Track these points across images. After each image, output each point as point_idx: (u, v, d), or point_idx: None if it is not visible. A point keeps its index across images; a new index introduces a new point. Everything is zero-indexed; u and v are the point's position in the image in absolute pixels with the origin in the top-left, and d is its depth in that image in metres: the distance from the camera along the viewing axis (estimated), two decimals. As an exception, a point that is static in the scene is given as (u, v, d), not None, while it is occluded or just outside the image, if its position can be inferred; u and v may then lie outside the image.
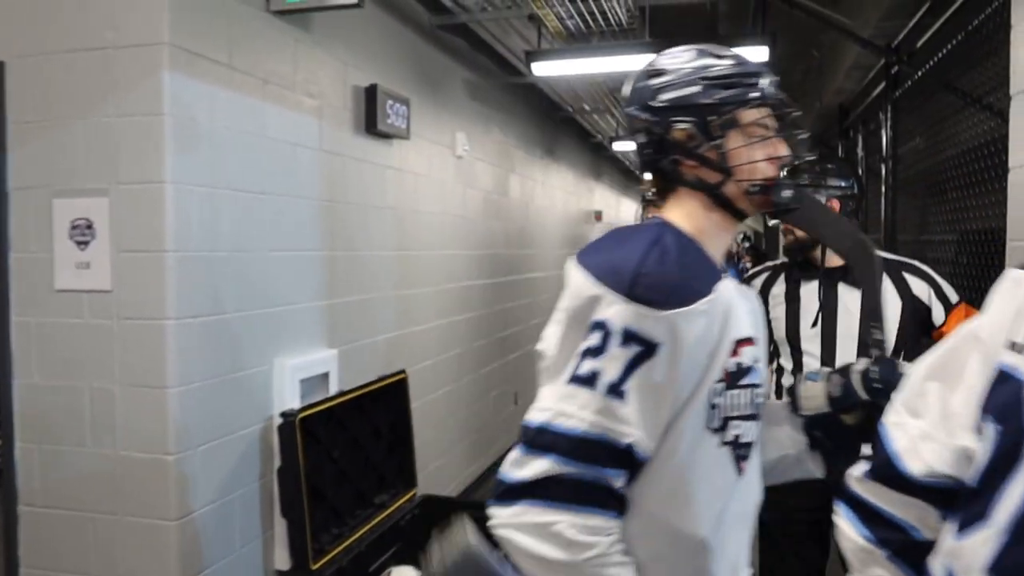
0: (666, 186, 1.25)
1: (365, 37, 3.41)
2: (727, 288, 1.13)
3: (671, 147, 1.19)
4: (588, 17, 4.08)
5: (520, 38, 4.70)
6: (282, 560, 2.71)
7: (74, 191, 2.32)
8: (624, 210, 11.99)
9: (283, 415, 2.62)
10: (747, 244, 12.68)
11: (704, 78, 1.18)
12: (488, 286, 5.18)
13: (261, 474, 2.67)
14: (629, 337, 1.05)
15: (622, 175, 11.47)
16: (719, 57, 1.21)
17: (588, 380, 1.06)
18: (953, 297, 2.21)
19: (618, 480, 1.06)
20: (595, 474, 1.04)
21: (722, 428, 1.12)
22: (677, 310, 1.05)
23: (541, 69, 4.19)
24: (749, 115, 1.18)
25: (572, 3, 3.86)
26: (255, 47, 2.64)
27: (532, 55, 4.09)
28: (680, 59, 1.21)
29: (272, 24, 2.73)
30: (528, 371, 6.15)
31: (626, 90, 1.27)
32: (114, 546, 2.33)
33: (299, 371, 2.80)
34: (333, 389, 3.01)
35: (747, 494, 1.21)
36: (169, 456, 2.26)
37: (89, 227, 2.31)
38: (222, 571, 2.48)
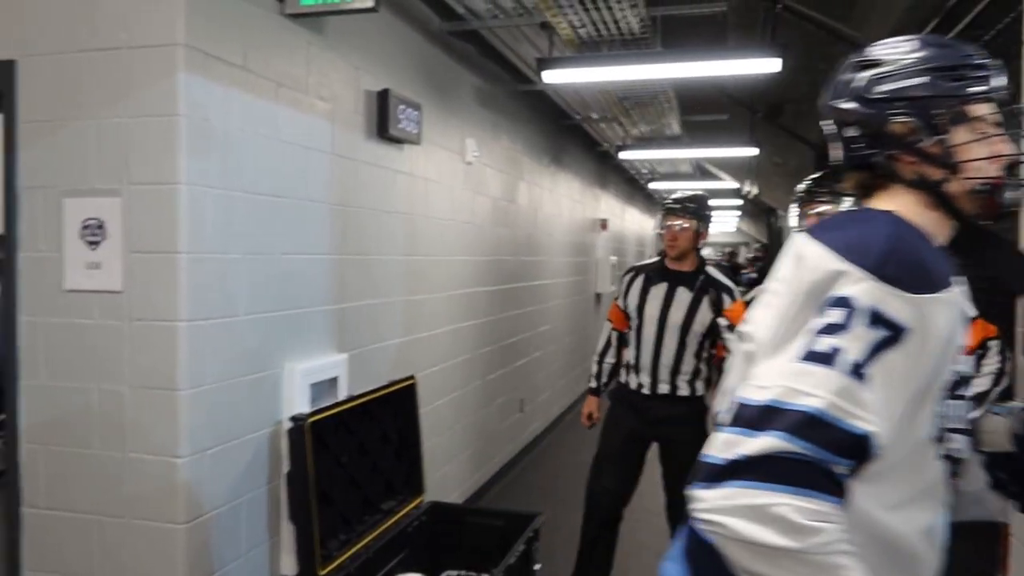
0: (875, 182, 1.18)
1: (377, 41, 3.40)
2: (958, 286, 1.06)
3: (888, 141, 1.13)
4: (600, 26, 4.07)
5: (530, 45, 4.69)
6: (288, 565, 2.68)
7: (85, 191, 2.31)
8: (629, 219, 11.97)
9: (293, 419, 2.59)
10: (754, 255, 12.63)
11: (931, 68, 1.12)
12: (495, 293, 5.16)
13: (269, 478, 2.65)
14: (876, 318, 0.96)
15: (627, 184, 11.46)
16: (944, 47, 1.15)
17: (826, 358, 0.96)
18: None
19: (844, 469, 0.95)
20: (822, 457, 0.93)
21: (940, 439, 1.04)
22: (929, 295, 0.97)
23: (552, 77, 4.18)
24: (978, 109, 1.11)
25: (586, 11, 3.85)
26: (269, 50, 2.63)
27: (543, 62, 4.09)
28: (900, 49, 1.16)
29: (286, 27, 2.73)
30: (534, 378, 6.15)
31: (834, 85, 1.21)
32: (121, 550, 2.30)
33: (309, 375, 2.78)
34: (342, 394, 2.99)
35: (944, 516, 1.11)
36: (178, 459, 2.24)
37: (100, 227, 2.29)
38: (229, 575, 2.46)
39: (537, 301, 6.27)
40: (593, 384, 3.60)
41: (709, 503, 0.95)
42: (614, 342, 3.54)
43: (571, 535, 3.40)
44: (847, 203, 2.33)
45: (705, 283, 3.31)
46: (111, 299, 2.29)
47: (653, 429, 3.37)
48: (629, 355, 3.42)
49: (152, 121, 2.25)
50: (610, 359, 3.54)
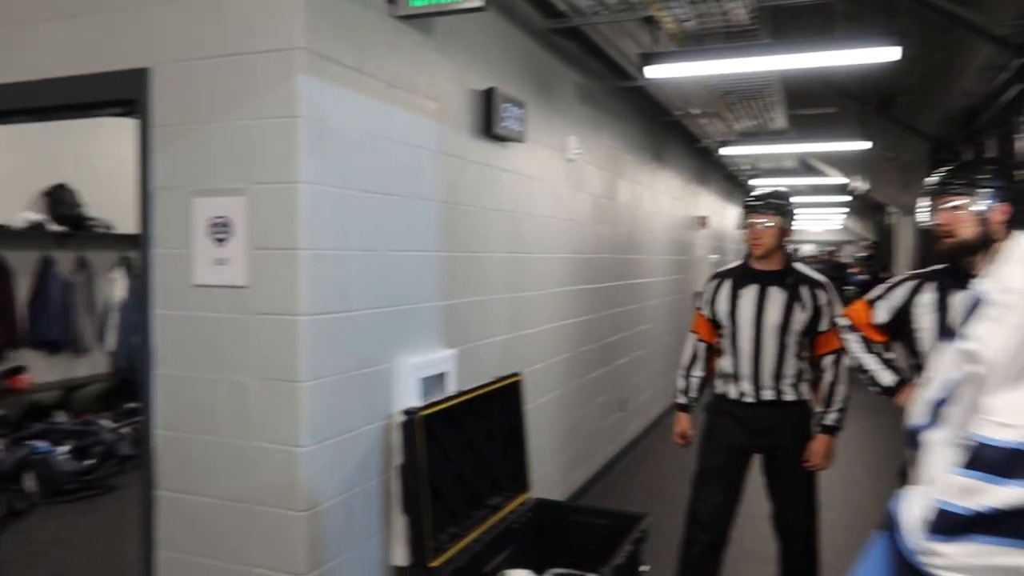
0: None
1: (482, 41, 3.43)
2: None
3: None
4: (708, 18, 3.98)
5: (632, 41, 4.64)
6: (400, 556, 2.74)
7: (213, 190, 2.42)
8: (729, 217, 11.68)
9: (405, 413, 2.64)
10: (864, 254, 12.07)
11: None
12: (596, 290, 5.13)
13: (382, 470, 2.71)
14: None
15: (727, 181, 11.19)
16: None
17: None
18: None
19: None
20: None
21: None
22: None
23: (655, 72, 4.12)
24: None
25: (692, 4, 3.78)
26: (381, 51, 2.69)
27: (647, 58, 4.03)
28: None
29: (396, 28, 2.78)
30: (634, 378, 6.08)
31: None
32: (245, 534, 2.40)
33: (420, 370, 2.83)
34: (450, 389, 3.02)
35: None
36: (299, 449, 2.32)
37: (226, 225, 2.40)
38: (344, 565, 2.52)
39: (637, 299, 6.19)
40: (682, 400, 3.37)
41: (951, 559, 0.86)
42: (701, 354, 3.34)
43: (674, 539, 3.32)
44: (985, 196, 2.18)
45: (796, 280, 3.14)
46: (236, 293, 2.39)
47: (758, 440, 3.18)
48: (725, 364, 3.23)
49: (274, 123, 2.34)
50: (698, 372, 3.34)
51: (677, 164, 7.70)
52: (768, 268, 3.17)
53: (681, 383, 3.38)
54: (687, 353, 3.38)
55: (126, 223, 5.89)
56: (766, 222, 3.10)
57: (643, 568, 3.10)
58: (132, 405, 5.90)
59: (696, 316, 3.38)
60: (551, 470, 4.33)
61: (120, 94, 2.55)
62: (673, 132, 7.31)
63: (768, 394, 3.14)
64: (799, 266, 3.25)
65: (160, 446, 2.54)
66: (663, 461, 5.89)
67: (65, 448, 4.93)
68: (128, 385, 6.31)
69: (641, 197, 6.31)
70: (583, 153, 4.69)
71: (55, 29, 2.68)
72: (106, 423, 5.43)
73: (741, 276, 3.21)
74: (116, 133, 5.63)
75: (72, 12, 2.64)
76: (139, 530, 2.59)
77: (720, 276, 3.30)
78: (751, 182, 11.18)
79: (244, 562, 2.42)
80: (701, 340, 3.34)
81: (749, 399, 3.16)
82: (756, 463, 3.26)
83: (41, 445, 4.88)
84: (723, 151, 7.61)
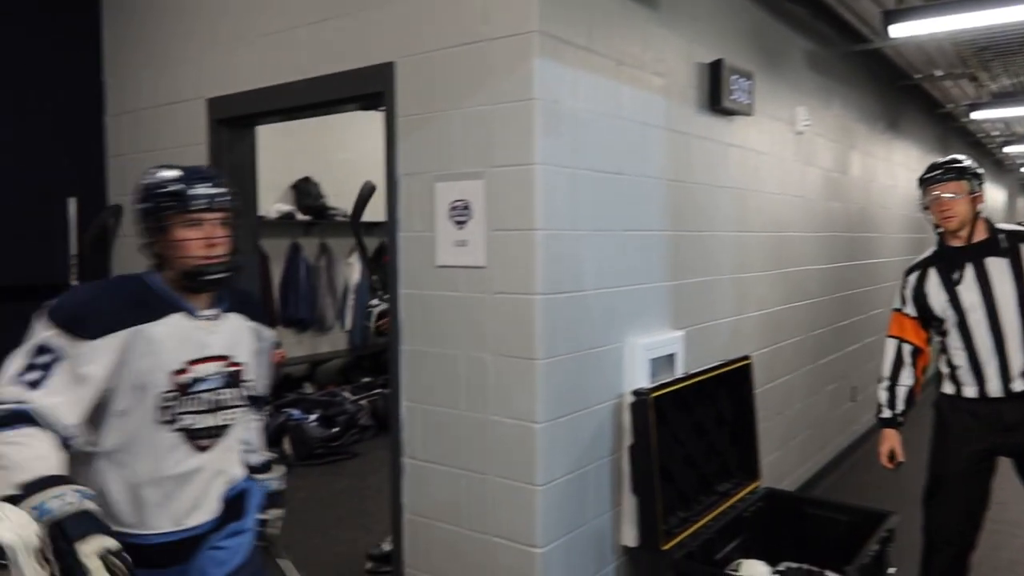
0: None
1: (709, 12, 3.31)
2: None
3: None
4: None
5: (870, 0, 4.26)
6: (630, 537, 2.73)
7: (453, 175, 2.53)
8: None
9: (635, 393, 2.63)
10: None
11: None
12: (826, 271, 4.80)
13: (612, 450, 2.71)
14: None
15: (972, 149, 10.01)
16: None
17: None
18: None
19: None
20: None
21: None
22: None
23: (902, 30, 3.75)
24: None
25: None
26: (610, 29, 2.67)
27: (892, 15, 3.68)
28: None
29: (624, 5, 2.75)
30: (867, 365, 5.62)
31: None
32: (485, 503, 2.51)
33: (649, 351, 2.79)
34: (679, 371, 2.96)
35: None
36: (536, 424, 2.38)
37: (466, 208, 2.50)
38: (576, 541, 2.56)
39: (870, 281, 5.72)
40: (887, 414, 2.94)
41: None
42: (907, 359, 2.90)
43: (916, 541, 3.01)
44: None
45: (1012, 240, 2.71)
46: (475, 274, 2.49)
47: (1007, 438, 2.75)
48: (957, 360, 2.79)
49: (510, 107, 2.40)
50: (907, 381, 2.91)
51: (915, 133, 7.00)
52: (973, 241, 2.76)
53: (884, 395, 2.96)
54: (889, 360, 2.96)
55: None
56: (953, 192, 2.72)
57: (890, 570, 2.86)
58: (368, 379, 6.40)
59: (895, 317, 2.95)
60: (779, 459, 4.12)
61: (369, 88, 2.73)
62: (911, 98, 6.65)
63: (1019, 385, 2.69)
64: (1004, 226, 2.81)
65: (405, 417, 2.72)
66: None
67: (314, 416, 5.45)
68: (363, 361, 6.85)
69: (875, 170, 5.81)
70: (812, 125, 4.38)
71: (309, 33, 2.93)
72: (347, 395, 5.93)
73: (946, 259, 2.81)
74: (351, 129, 6.09)
75: (324, 16, 2.87)
76: (387, 494, 2.79)
77: (920, 267, 2.89)
78: (1006, 149, 9.92)
79: (482, 531, 2.52)
80: (906, 342, 2.90)
81: (996, 394, 2.72)
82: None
83: (295, 413, 5.43)
84: (975, 115, 6.80)
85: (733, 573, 2.68)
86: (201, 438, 1.76)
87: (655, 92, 2.93)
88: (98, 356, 1.61)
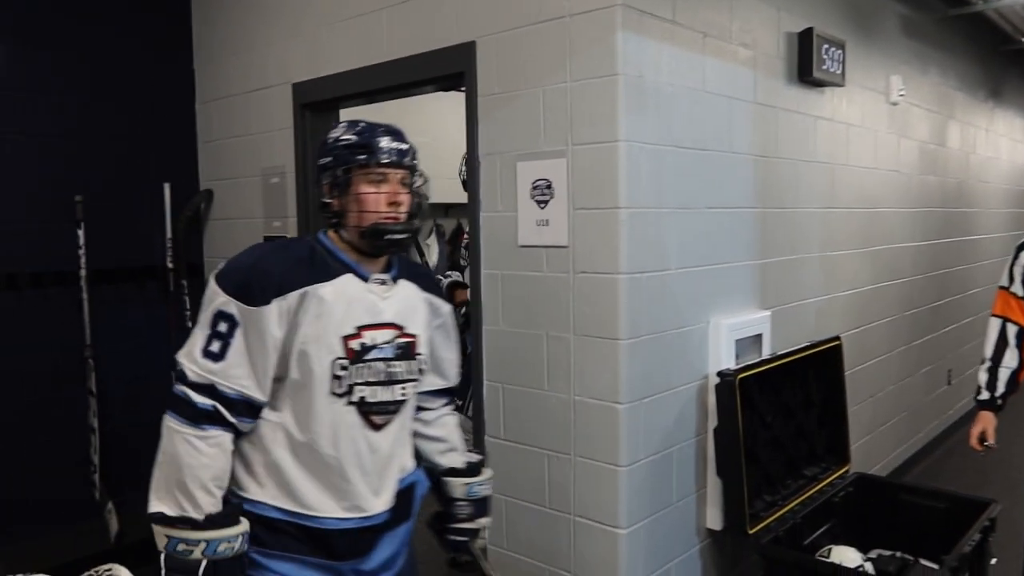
0: None
1: (798, -22, 3.17)
2: None
3: None
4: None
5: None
6: (714, 519, 2.69)
7: (535, 154, 2.51)
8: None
9: (720, 375, 2.57)
10: None
11: None
12: (921, 249, 4.59)
13: (696, 431, 2.67)
14: None
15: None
16: None
17: None
18: None
19: None
20: None
21: None
22: None
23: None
24: None
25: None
26: (695, 0, 2.59)
27: (997, -26, 3.45)
28: None
29: (709, -26, 2.66)
30: (964, 347, 5.36)
31: None
32: (567, 483, 2.50)
33: (734, 331, 2.73)
34: (765, 352, 2.89)
35: None
36: (619, 405, 2.36)
37: (548, 187, 2.48)
38: (659, 522, 2.53)
39: (968, 259, 5.43)
40: (985, 396, 2.79)
41: None
42: (1012, 340, 2.74)
43: (1019, 531, 2.86)
44: None
45: None
46: (558, 253, 2.47)
47: None
48: None
49: (593, 83, 2.36)
50: (1010, 363, 2.75)
51: (1019, 101, 6.59)
52: None
53: (984, 376, 2.80)
54: (991, 341, 2.80)
55: (437, 192, 6.42)
56: None
57: (992, 561, 2.74)
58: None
59: (1000, 296, 2.78)
60: (869, 443, 3.98)
61: (450, 68, 2.74)
62: (1014, 64, 6.26)
63: None
64: None
65: (488, 395, 2.73)
66: (1002, 445, 5.15)
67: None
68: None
69: (975, 142, 5.50)
70: (907, 94, 4.17)
71: (391, 15, 2.95)
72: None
73: None
74: (427, 110, 6.13)
75: (405, -2, 2.89)
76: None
77: None
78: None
79: (565, 510, 2.52)
80: (1011, 322, 2.74)
81: None
82: None
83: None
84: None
85: (823, 559, 2.61)
86: (376, 413, 1.63)
87: (741, 64, 2.83)
88: (271, 321, 1.54)
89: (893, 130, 4.12)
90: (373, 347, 1.62)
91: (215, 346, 1.53)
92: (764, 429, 2.78)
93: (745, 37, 2.84)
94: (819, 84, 3.28)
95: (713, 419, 2.64)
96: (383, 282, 1.67)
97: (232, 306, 1.53)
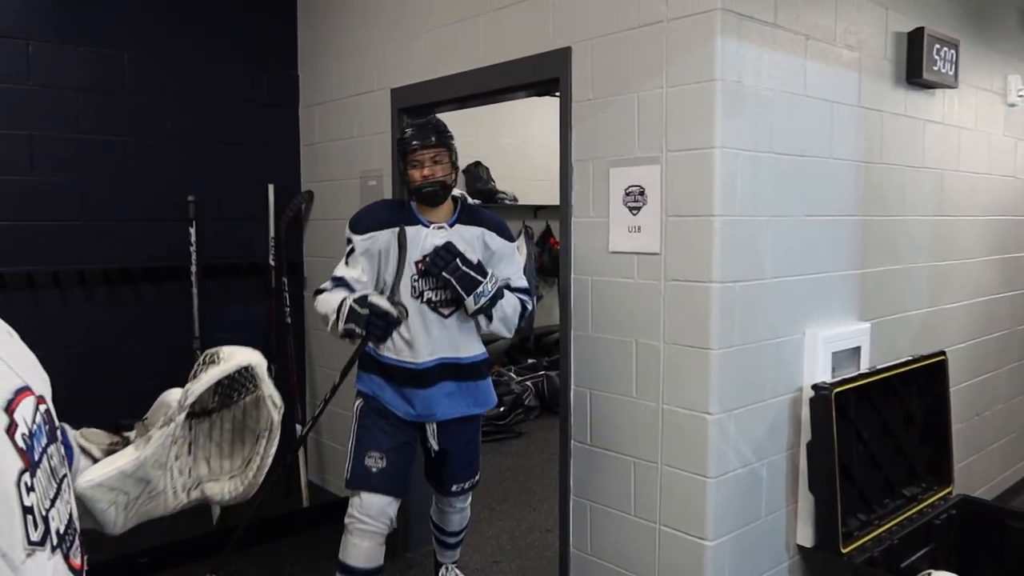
0: None
1: (908, -24, 3.04)
2: None
3: None
4: None
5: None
6: (805, 536, 2.62)
7: (628, 160, 2.50)
8: None
9: (815, 388, 2.50)
10: None
11: None
12: (1038, 260, 4.32)
13: (788, 445, 2.60)
14: None
15: None
16: None
17: None
18: None
19: None
20: None
21: None
22: None
23: None
24: None
25: None
26: (799, 3, 2.52)
27: None
28: None
29: (814, -25, 2.58)
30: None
31: None
32: (654, 491, 2.49)
33: (831, 343, 2.64)
34: (864, 365, 2.79)
35: None
36: (709, 415, 2.32)
37: (641, 193, 2.46)
38: (747, 536, 2.48)
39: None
40: None
41: None
42: None
43: None
44: None
45: None
46: (649, 260, 2.46)
47: None
48: None
49: (689, 89, 2.33)
50: None
51: None
52: None
53: None
54: None
55: (526, 195, 6.48)
56: None
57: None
58: (532, 361, 6.51)
59: None
60: (975, 465, 3.78)
61: (545, 74, 2.75)
62: None
63: None
64: None
65: (574, 401, 2.74)
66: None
67: (482, 394, 5.61)
68: (525, 343, 6.96)
69: (1102, 145, 5.13)
70: (1027, 96, 3.94)
71: (487, 21, 2.99)
72: (512, 376, 6.06)
73: None
74: (518, 114, 6.18)
75: (502, 4, 2.92)
76: (552, 475, 2.83)
77: None
78: None
79: (650, 519, 2.51)
80: None
81: None
82: None
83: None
84: None
85: (921, 584, 2.51)
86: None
87: (846, 66, 2.74)
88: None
89: (1010, 133, 3.89)
90: None
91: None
92: (860, 445, 2.69)
93: (850, 39, 2.75)
94: (929, 86, 3.14)
95: (806, 433, 2.57)
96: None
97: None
